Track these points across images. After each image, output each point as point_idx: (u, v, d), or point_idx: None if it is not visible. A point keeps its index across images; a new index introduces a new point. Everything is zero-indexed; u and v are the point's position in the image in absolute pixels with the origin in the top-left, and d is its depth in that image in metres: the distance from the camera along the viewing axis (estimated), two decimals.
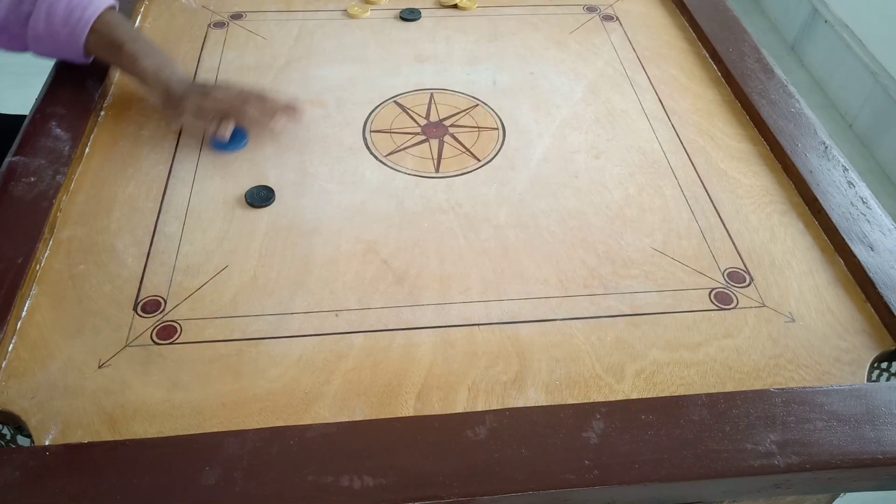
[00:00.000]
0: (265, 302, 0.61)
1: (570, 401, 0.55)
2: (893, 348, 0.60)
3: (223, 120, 0.73)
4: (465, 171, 0.75)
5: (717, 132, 0.81)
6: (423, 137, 0.79)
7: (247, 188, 0.71)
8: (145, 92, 0.77)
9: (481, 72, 0.89)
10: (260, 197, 0.70)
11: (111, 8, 0.77)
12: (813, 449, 0.50)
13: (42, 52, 0.78)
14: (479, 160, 0.76)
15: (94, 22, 0.74)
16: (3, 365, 0.55)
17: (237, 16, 0.96)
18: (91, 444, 0.49)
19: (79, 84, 0.79)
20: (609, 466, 0.49)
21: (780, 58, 2.21)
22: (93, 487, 0.46)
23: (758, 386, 0.56)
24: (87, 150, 0.74)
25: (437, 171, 0.75)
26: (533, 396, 0.55)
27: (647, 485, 0.48)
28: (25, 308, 0.59)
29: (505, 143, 0.79)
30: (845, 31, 1.99)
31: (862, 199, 0.70)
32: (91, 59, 0.79)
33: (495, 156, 0.77)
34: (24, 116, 0.77)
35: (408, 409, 0.54)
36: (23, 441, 0.55)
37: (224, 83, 0.78)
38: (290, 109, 0.76)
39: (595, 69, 0.90)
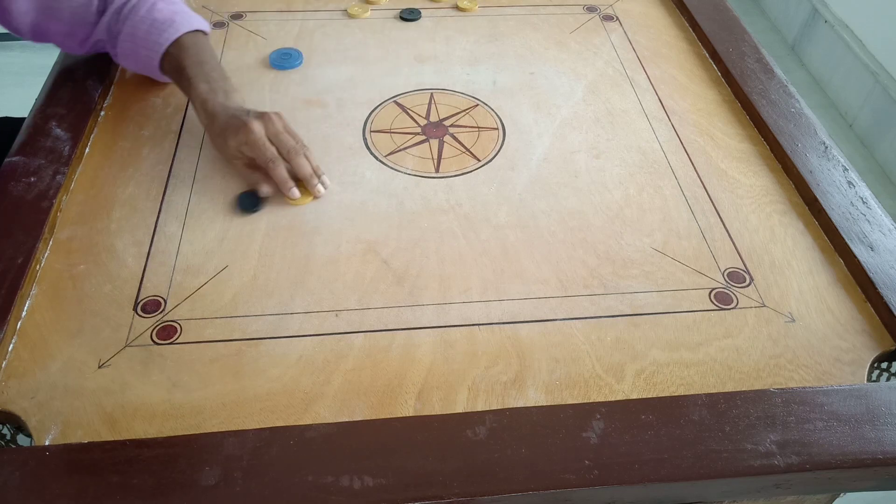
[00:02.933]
0: (265, 302, 0.61)
1: (570, 401, 0.55)
2: (893, 348, 0.60)
3: (261, 174, 0.70)
4: (465, 171, 0.75)
5: (717, 132, 0.81)
6: (423, 137, 0.79)
7: (248, 188, 0.71)
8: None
9: (481, 72, 0.89)
10: (251, 202, 0.69)
11: (195, 32, 0.76)
12: (813, 449, 0.50)
13: (132, 68, 0.80)
14: (479, 160, 0.76)
15: (170, 45, 0.74)
16: (3, 365, 0.55)
17: (237, 16, 0.96)
18: (91, 444, 0.49)
19: (79, 84, 0.79)
20: (609, 466, 0.49)
21: (780, 58, 2.21)
22: (93, 487, 0.46)
23: (758, 386, 0.56)
24: (87, 150, 0.74)
25: (437, 171, 0.75)
26: (533, 396, 0.55)
27: (648, 485, 0.48)
28: (25, 308, 0.59)
29: (505, 143, 0.79)
30: (845, 31, 1.99)
31: (862, 199, 0.70)
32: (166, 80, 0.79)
33: (495, 156, 0.77)
34: (23, 117, 0.77)
35: (408, 409, 0.54)
36: (23, 441, 0.55)
37: (270, 113, 0.71)
38: (313, 177, 0.71)
39: (595, 69, 0.90)
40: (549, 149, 0.78)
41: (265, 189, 0.69)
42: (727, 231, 0.69)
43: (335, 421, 0.52)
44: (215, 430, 0.51)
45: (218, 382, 0.55)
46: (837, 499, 0.65)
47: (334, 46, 0.92)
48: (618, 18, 1.00)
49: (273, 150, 0.69)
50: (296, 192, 0.69)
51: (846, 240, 0.66)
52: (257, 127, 0.69)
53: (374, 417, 0.53)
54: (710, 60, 0.92)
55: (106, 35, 0.77)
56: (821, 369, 0.58)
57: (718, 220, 0.70)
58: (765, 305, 0.63)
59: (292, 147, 0.70)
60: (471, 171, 0.75)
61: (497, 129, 0.81)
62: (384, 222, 0.69)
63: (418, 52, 0.91)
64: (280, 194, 0.70)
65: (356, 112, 0.82)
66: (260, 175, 0.70)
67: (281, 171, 0.69)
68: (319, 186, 0.70)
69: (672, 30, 0.98)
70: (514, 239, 0.68)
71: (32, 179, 0.68)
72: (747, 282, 0.65)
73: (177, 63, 0.74)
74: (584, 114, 0.83)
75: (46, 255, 0.64)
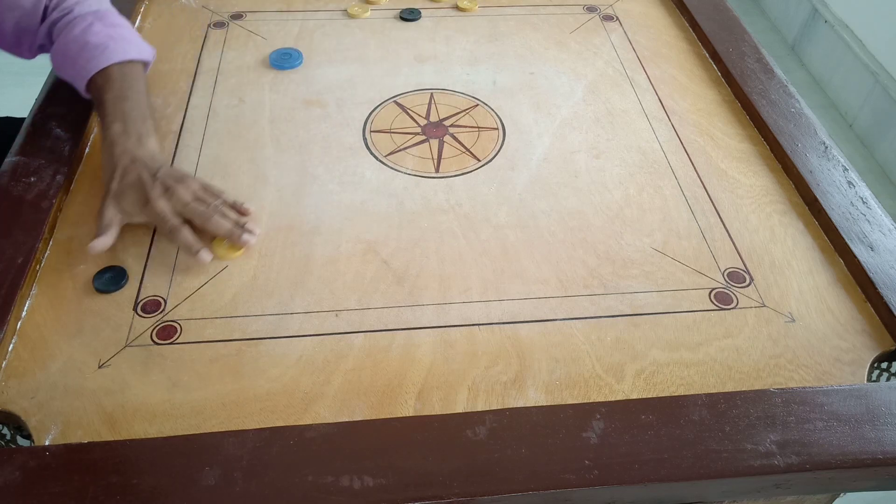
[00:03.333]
0: (265, 302, 0.61)
1: (570, 401, 0.55)
2: (893, 348, 0.60)
3: (184, 228, 0.64)
4: (465, 171, 0.75)
5: (717, 132, 0.81)
6: (423, 137, 0.79)
7: (248, 188, 0.71)
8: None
9: (481, 72, 0.89)
10: (107, 280, 0.61)
11: (128, 62, 0.72)
12: (813, 449, 0.50)
13: (65, 78, 0.76)
14: (479, 160, 0.76)
15: (96, 73, 0.70)
16: (3, 365, 0.55)
17: (237, 16, 0.96)
18: (91, 444, 0.49)
19: None
20: (609, 466, 0.49)
21: (780, 58, 2.21)
22: (93, 487, 0.46)
23: (758, 386, 0.56)
24: (87, 150, 0.74)
25: (437, 171, 0.75)
26: (533, 396, 0.55)
27: (648, 485, 0.48)
28: (25, 308, 0.59)
29: (505, 143, 0.79)
30: (845, 31, 1.99)
31: (862, 199, 0.70)
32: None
33: (495, 156, 0.77)
34: (24, 117, 0.77)
35: (408, 409, 0.54)
36: (23, 441, 0.55)
37: (180, 176, 0.66)
38: (234, 231, 0.65)
39: (595, 69, 0.90)
40: (549, 149, 0.78)
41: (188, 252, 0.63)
42: (727, 231, 0.69)
43: (335, 421, 0.52)
44: (215, 430, 0.51)
45: (218, 382, 0.55)
46: (837, 499, 0.65)
47: (334, 46, 0.92)
48: (618, 18, 1.00)
49: (175, 220, 0.63)
50: (205, 255, 0.62)
51: (846, 240, 0.66)
52: (161, 205, 0.63)
53: (374, 417, 0.53)
54: (710, 60, 0.92)
55: (45, 40, 0.75)
56: (821, 369, 0.58)
57: (718, 220, 0.70)
58: (765, 305, 0.63)
59: (202, 213, 0.64)
60: (471, 171, 0.75)
61: (497, 129, 0.81)
62: (384, 222, 0.69)
63: (418, 52, 0.91)
64: (280, 191, 0.70)
65: (356, 112, 0.82)
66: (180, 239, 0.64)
67: (184, 235, 0.63)
68: (246, 236, 0.64)
69: (672, 30, 0.98)
70: (514, 239, 0.68)
71: (32, 179, 0.68)
72: (747, 282, 0.65)
73: (98, 94, 0.70)
74: (584, 114, 0.83)
75: (46, 255, 0.64)
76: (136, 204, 0.64)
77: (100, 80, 0.71)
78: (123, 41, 0.73)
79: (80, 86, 0.72)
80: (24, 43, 0.76)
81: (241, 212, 0.67)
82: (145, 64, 0.76)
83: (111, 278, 0.61)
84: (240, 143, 0.77)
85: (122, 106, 0.69)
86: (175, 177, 0.66)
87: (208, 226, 0.64)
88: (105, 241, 0.62)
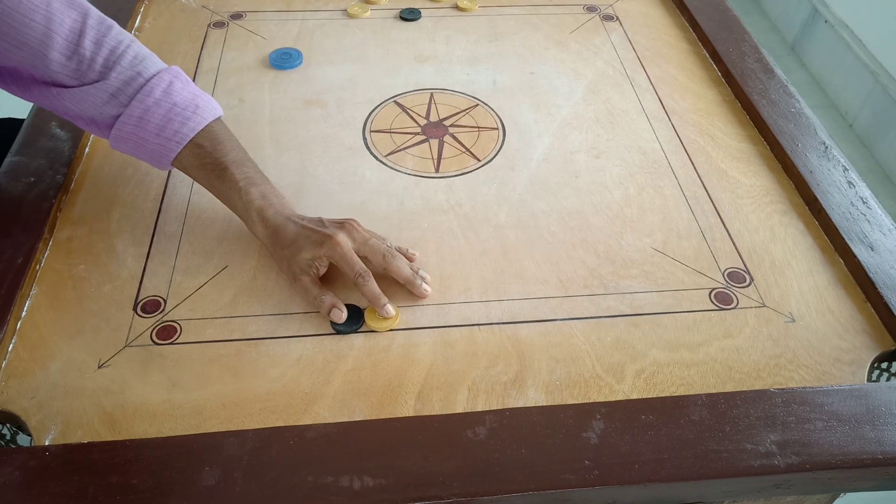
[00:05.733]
0: (265, 302, 0.61)
1: (570, 401, 0.55)
2: (893, 348, 0.60)
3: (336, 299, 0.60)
4: (465, 171, 0.75)
5: (717, 132, 0.81)
6: (423, 137, 0.79)
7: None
8: (247, 226, 0.64)
9: (481, 72, 0.89)
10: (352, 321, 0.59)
11: (217, 119, 0.64)
12: (813, 449, 0.50)
13: (121, 150, 0.65)
14: (479, 160, 0.76)
15: (196, 136, 0.62)
16: (3, 365, 0.55)
17: (237, 16, 0.96)
18: (91, 444, 0.49)
19: None
20: (609, 466, 0.49)
21: (780, 58, 2.21)
22: (93, 487, 0.46)
23: (758, 386, 0.56)
24: (87, 150, 0.74)
25: (437, 171, 0.75)
26: (533, 396, 0.55)
27: (648, 485, 0.48)
28: (25, 308, 0.59)
29: (505, 143, 0.79)
30: (845, 31, 1.99)
31: (862, 199, 0.70)
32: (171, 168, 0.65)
33: (495, 156, 0.77)
34: (23, 118, 0.77)
35: (408, 409, 0.54)
36: (23, 441, 0.55)
37: (344, 220, 0.62)
38: (416, 277, 0.61)
39: (595, 69, 0.90)
40: (549, 149, 0.78)
41: (339, 314, 0.59)
42: (727, 231, 0.69)
43: (335, 421, 0.52)
44: (215, 430, 0.51)
45: (218, 382, 0.55)
46: (837, 499, 0.65)
47: (334, 46, 0.92)
48: (618, 18, 1.00)
49: (361, 263, 0.60)
50: (390, 309, 0.59)
51: (846, 240, 0.66)
52: (343, 239, 0.59)
53: (374, 417, 0.53)
54: (710, 60, 0.92)
55: (106, 110, 0.61)
56: (821, 369, 0.58)
57: (718, 220, 0.70)
58: (765, 305, 0.63)
59: (385, 251, 0.60)
60: (471, 171, 0.75)
61: (497, 129, 0.81)
62: (384, 222, 0.69)
63: (418, 52, 0.91)
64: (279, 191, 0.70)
65: (356, 112, 0.82)
66: (331, 295, 0.60)
67: (373, 286, 0.59)
68: (424, 286, 0.61)
69: (672, 30, 0.98)
70: (514, 239, 0.68)
71: (32, 179, 0.68)
72: (747, 282, 0.65)
73: (210, 160, 0.62)
74: (584, 114, 0.83)
75: (46, 255, 0.64)
76: (317, 255, 0.60)
77: (205, 143, 0.62)
78: (205, 97, 0.64)
79: (172, 153, 0.62)
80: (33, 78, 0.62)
81: (409, 257, 0.64)
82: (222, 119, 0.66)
83: (347, 318, 0.59)
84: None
85: (246, 171, 0.63)
86: (338, 219, 0.62)
87: (391, 265, 0.60)
88: (339, 308, 0.59)
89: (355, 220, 0.62)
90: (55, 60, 0.59)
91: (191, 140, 0.62)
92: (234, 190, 0.62)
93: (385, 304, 0.59)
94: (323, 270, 0.61)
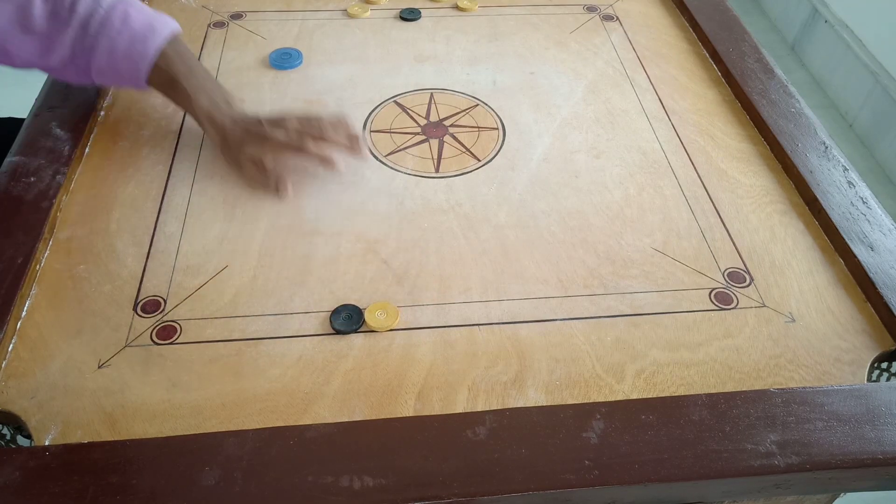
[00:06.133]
0: (265, 302, 0.61)
1: (570, 401, 0.55)
2: (893, 348, 0.60)
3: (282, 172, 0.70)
4: (465, 171, 0.75)
5: (717, 132, 0.81)
6: (423, 137, 0.79)
7: (248, 188, 0.71)
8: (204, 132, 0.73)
9: (481, 72, 0.89)
10: (343, 320, 0.60)
11: (174, 37, 0.72)
12: (813, 449, 0.50)
13: (108, 84, 0.75)
14: (479, 160, 0.76)
15: (157, 59, 0.70)
16: (3, 365, 0.55)
17: (237, 16, 0.96)
18: (91, 444, 0.49)
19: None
20: (609, 466, 0.49)
21: (780, 58, 2.21)
22: (93, 487, 0.46)
23: (758, 386, 0.56)
24: (87, 150, 0.74)
25: (437, 171, 0.75)
26: (533, 396, 0.55)
27: (648, 485, 0.48)
28: (25, 308, 0.59)
29: (505, 143, 0.79)
30: (845, 31, 1.99)
31: (862, 199, 0.70)
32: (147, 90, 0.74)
33: (495, 156, 0.77)
34: (23, 117, 0.77)
35: (408, 409, 0.54)
36: (23, 441, 0.55)
37: (278, 116, 0.71)
38: (353, 140, 0.72)
39: (595, 69, 0.90)
40: (549, 149, 0.78)
41: (284, 192, 0.70)
42: (727, 231, 0.69)
43: (335, 421, 0.52)
44: (215, 430, 0.51)
45: (218, 382, 0.55)
46: (837, 499, 0.65)
47: (334, 46, 0.92)
48: (618, 18, 1.00)
49: (298, 141, 0.69)
50: (338, 161, 0.71)
51: (846, 240, 0.66)
52: (278, 133, 0.69)
53: (374, 417, 0.53)
54: (710, 60, 0.92)
55: (70, 52, 0.69)
56: (821, 369, 0.58)
57: (718, 220, 0.70)
58: (765, 305, 0.63)
59: (316, 131, 0.70)
60: (471, 171, 0.75)
61: (497, 129, 0.81)
62: (384, 222, 0.69)
63: (418, 52, 0.91)
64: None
65: (356, 112, 0.82)
66: (274, 179, 0.70)
67: (317, 149, 0.70)
68: (364, 148, 0.72)
69: (672, 30, 0.98)
70: (514, 239, 0.68)
71: (32, 179, 0.68)
72: (747, 282, 0.65)
73: (167, 76, 0.70)
74: (584, 114, 0.83)
75: (46, 255, 0.64)
76: (257, 147, 0.69)
77: (162, 63, 0.70)
78: (160, 17, 0.71)
79: (143, 75, 0.70)
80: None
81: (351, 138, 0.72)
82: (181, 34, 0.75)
83: (347, 318, 0.60)
84: None
85: (197, 80, 0.71)
86: (277, 115, 0.71)
87: (328, 133, 0.70)
88: (284, 183, 0.70)
89: (289, 113, 0.71)
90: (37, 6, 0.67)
91: (152, 62, 0.70)
92: (185, 98, 0.71)
93: (331, 156, 0.70)
94: (268, 164, 0.70)
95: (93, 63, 0.69)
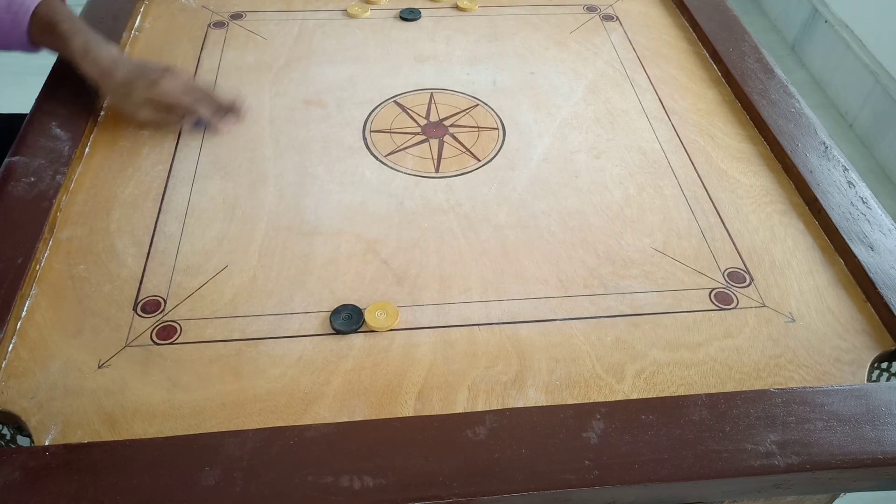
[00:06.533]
0: (265, 302, 0.61)
1: (570, 401, 0.55)
2: (893, 348, 0.60)
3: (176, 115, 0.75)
4: (465, 171, 0.75)
5: (717, 132, 0.81)
6: (423, 137, 0.79)
7: (248, 188, 0.71)
8: (81, 74, 0.76)
9: (481, 72, 0.89)
10: (343, 320, 0.60)
11: None
12: (813, 449, 0.50)
13: None
14: (479, 160, 0.76)
15: (37, 7, 0.74)
16: (3, 365, 0.55)
17: (237, 16, 0.96)
18: (91, 444, 0.49)
19: (79, 84, 0.79)
20: (609, 466, 0.49)
21: (780, 58, 2.20)
22: (93, 487, 0.46)
23: (758, 386, 0.56)
24: (86, 150, 0.74)
25: (437, 171, 0.75)
26: (533, 396, 0.55)
27: (648, 485, 0.48)
28: (25, 308, 0.59)
29: (505, 143, 0.79)
30: (845, 31, 1.99)
31: (862, 199, 0.70)
32: (38, 49, 0.78)
33: (495, 156, 0.77)
34: (23, 116, 0.77)
35: (408, 409, 0.54)
36: (23, 441, 0.55)
37: (158, 66, 0.76)
38: (235, 108, 0.77)
39: (595, 69, 0.90)
40: (549, 149, 0.78)
41: (198, 121, 0.75)
42: (727, 231, 0.69)
43: (335, 421, 0.52)
44: (215, 430, 0.51)
45: (218, 382, 0.55)
46: (837, 499, 0.65)
47: (334, 46, 0.92)
48: (618, 18, 1.00)
49: (189, 98, 0.74)
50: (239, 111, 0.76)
51: (846, 240, 0.66)
52: (171, 82, 0.74)
53: (374, 417, 0.53)
54: (710, 60, 0.92)
55: None
56: (821, 369, 0.58)
57: (718, 220, 0.70)
58: (765, 305, 0.63)
59: (203, 96, 0.75)
60: (471, 171, 0.75)
61: (497, 129, 0.81)
62: (384, 222, 0.69)
63: (418, 52, 0.91)
64: (280, 191, 0.70)
65: (356, 112, 0.82)
66: (172, 115, 0.75)
67: (206, 109, 0.75)
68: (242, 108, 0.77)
69: (672, 30, 0.98)
70: (514, 239, 0.68)
71: (32, 179, 0.68)
72: (747, 282, 0.65)
73: (46, 22, 0.74)
74: (584, 114, 0.83)
75: (46, 255, 0.64)
76: (147, 87, 0.73)
77: (43, 10, 0.74)
78: None
79: (23, 25, 0.74)
80: None
81: (234, 109, 0.78)
82: None
83: (347, 318, 0.60)
84: (240, 143, 0.77)
85: (76, 24, 0.74)
86: (168, 70, 0.75)
87: (204, 107, 0.75)
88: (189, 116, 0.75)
89: (174, 67, 0.76)
90: None
91: (32, 10, 0.73)
92: (62, 41, 0.74)
93: (239, 106, 0.77)
94: (160, 104, 0.74)
95: None
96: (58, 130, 0.74)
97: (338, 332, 0.59)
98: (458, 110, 0.83)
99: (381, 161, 0.76)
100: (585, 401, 0.55)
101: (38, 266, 0.62)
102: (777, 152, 0.77)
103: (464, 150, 0.78)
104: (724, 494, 0.52)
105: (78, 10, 0.84)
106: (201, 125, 0.76)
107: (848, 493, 0.60)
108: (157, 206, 0.69)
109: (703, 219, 0.71)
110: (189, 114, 0.75)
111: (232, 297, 0.61)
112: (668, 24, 0.99)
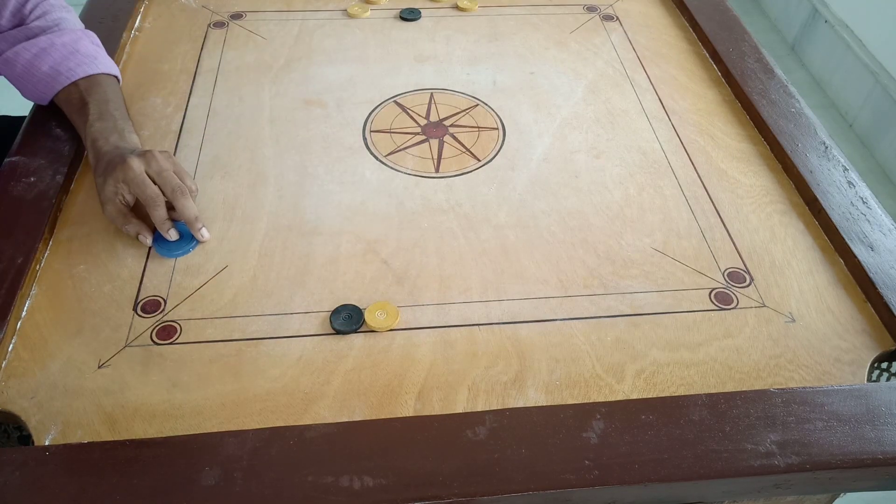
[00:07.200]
0: (265, 302, 0.61)
1: (570, 401, 0.55)
2: (893, 348, 0.60)
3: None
4: (465, 171, 0.75)
5: (717, 132, 0.81)
6: (423, 137, 0.79)
7: (248, 188, 0.71)
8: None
9: (481, 72, 0.89)
10: (343, 320, 0.59)
11: (111, 75, 0.74)
12: (813, 449, 0.50)
13: (9, 79, 0.74)
14: (479, 160, 0.76)
15: (82, 78, 0.72)
16: (3, 365, 0.55)
17: (237, 16, 0.96)
18: (91, 444, 0.49)
19: None
20: (609, 466, 0.49)
21: (780, 58, 2.21)
22: (93, 487, 0.46)
23: (758, 386, 0.56)
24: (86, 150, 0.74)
25: (437, 171, 0.75)
26: (533, 396, 0.55)
27: (648, 485, 0.48)
28: (25, 308, 0.59)
29: (505, 143, 0.79)
30: (845, 31, 1.99)
31: (862, 199, 0.70)
32: (46, 103, 0.74)
33: (495, 156, 0.77)
34: (23, 116, 0.77)
35: (408, 409, 0.54)
36: (23, 441, 0.55)
37: (142, 155, 0.65)
38: (197, 221, 0.65)
39: (595, 69, 0.90)
40: (549, 149, 0.78)
41: (144, 238, 0.64)
42: (727, 231, 0.69)
43: (335, 421, 0.52)
44: (215, 430, 0.51)
45: (218, 382, 0.55)
46: (837, 499, 0.65)
47: (334, 46, 0.92)
48: (618, 18, 1.00)
49: (154, 188, 0.63)
50: (174, 233, 0.64)
51: (846, 240, 0.66)
52: (136, 164, 0.63)
53: (374, 417, 0.53)
54: (710, 60, 0.92)
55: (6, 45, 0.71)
56: (821, 369, 0.58)
57: (718, 220, 0.70)
58: (765, 305, 0.63)
59: (177, 186, 0.64)
60: (471, 171, 0.75)
61: (497, 129, 0.81)
62: (384, 222, 0.69)
63: (418, 52, 0.91)
64: (280, 191, 0.70)
65: (356, 112, 0.82)
66: (136, 222, 0.64)
67: (160, 212, 0.63)
68: (203, 231, 0.65)
69: (672, 30, 0.98)
70: (514, 239, 0.68)
71: (32, 179, 0.68)
72: (747, 282, 0.65)
73: (80, 96, 0.71)
74: (584, 114, 0.83)
75: (46, 255, 0.64)
76: (115, 179, 0.64)
77: (84, 84, 0.72)
78: (108, 59, 0.76)
79: (58, 85, 0.71)
80: None
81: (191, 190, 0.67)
82: (119, 81, 0.77)
83: (347, 318, 0.59)
84: (240, 143, 0.77)
85: (108, 107, 0.71)
86: (149, 151, 0.66)
87: (178, 202, 0.64)
88: (144, 234, 0.64)
89: (167, 152, 0.67)
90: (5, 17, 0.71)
91: (77, 79, 0.71)
92: (83, 120, 0.70)
93: (170, 229, 0.63)
94: (130, 199, 0.64)
95: (12, 51, 0.71)
96: (58, 130, 0.74)
97: (338, 332, 0.59)
98: (458, 110, 0.83)
99: (381, 161, 0.76)
100: (585, 401, 0.55)
101: (38, 266, 0.62)
102: (777, 152, 0.77)
103: (464, 150, 0.78)
104: (724, 494, 0.52)
105: (78, 11, 0.84)
106: (170, 249, 0.65)
107: (848, 493, 0.60)
108: None
109: (703, 219, 0.71)
110: (140, 231, 0.64)
111: (232, 297, 0.61)
112: (668, 24, 0.99)
